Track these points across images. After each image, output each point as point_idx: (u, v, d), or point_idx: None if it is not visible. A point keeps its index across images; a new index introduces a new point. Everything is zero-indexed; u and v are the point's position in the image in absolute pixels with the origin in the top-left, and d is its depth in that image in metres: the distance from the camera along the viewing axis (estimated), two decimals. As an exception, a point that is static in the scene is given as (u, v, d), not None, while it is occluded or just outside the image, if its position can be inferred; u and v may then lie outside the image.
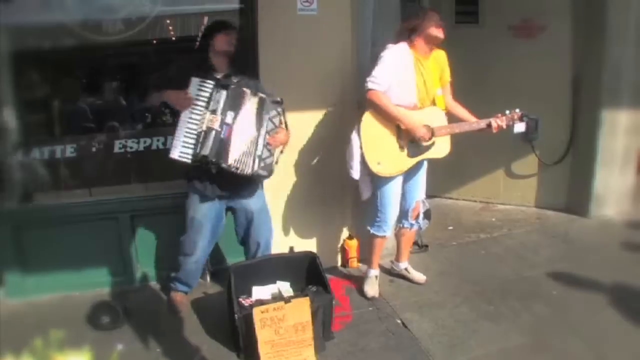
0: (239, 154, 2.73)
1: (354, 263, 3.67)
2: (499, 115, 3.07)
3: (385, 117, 2.98)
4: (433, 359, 2.71)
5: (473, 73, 4.24)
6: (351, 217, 3.64)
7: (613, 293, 3.16)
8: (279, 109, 2.85)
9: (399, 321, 3.05)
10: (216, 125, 2.67)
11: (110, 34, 3.47)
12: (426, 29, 2.98)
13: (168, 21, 3.57)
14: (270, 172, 2.86)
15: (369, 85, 2.93)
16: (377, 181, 3.14)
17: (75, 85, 3.69)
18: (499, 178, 4.67)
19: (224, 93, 2.69)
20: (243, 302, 2.85)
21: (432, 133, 3.02)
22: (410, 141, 3.04)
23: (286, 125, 2.91)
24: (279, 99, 2.85)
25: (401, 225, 3.36)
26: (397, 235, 3.43)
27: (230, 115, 2.69)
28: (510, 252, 3.85)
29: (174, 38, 3.70)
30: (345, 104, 3.44)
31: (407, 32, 3.04)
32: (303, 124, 3.40)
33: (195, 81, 2.69)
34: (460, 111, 3.20)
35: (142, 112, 3.65)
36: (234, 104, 2.71)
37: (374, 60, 3.07)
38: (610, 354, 2.66)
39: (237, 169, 2.74)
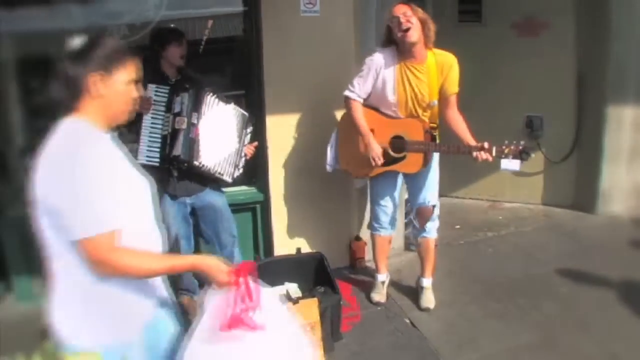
0: (220, 159, 2.90)
1: (362, 263, 3.66)
2: (487, 145, 2.70)
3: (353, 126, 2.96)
4: (442, 358, 2.71)
5: (477, 72, 4.22)
6: (358, 217, 3.64)
7: (622, 290, 3.15)
8: (251, 126, 3.10)
9: (407, 320, 3.05)
10: (184, 126, 2.80)
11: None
12: (393, 32, 2.75)
13: (172, 25, 3.58)
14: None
15: (346, 92, 2.94)
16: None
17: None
18: (505, 176, 4.62)
19: (185, 96, 2.82)
20: (251, 303, 2.85)
21: (404, 147, 2.87)
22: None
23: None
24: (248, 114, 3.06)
25: (415, 234, 3.29)
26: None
27: (194, 116, 2.82)
28: (518, 250, 3.84)
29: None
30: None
31: (388, 35, 2.83)
32: (307, 125, 3.41)
33: (151, 87, 2.82)
34: (459, 128, 2.89)
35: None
36: (196, 106, 2.83)
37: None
38: (620, 350, 2.65)
39: (220, 174, 2.90)
